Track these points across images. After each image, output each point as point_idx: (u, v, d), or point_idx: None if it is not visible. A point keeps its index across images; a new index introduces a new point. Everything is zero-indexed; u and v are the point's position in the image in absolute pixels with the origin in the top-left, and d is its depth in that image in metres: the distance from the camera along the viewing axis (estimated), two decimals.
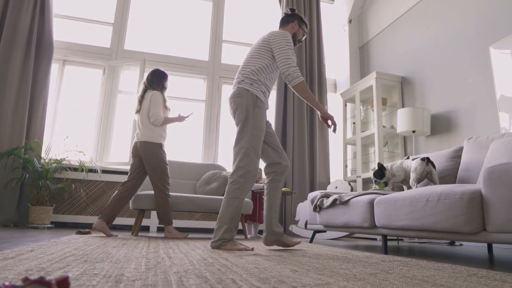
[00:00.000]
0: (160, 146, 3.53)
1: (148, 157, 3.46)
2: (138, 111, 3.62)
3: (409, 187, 3.13)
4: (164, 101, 3.64)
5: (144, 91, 3.65)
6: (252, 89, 2.43)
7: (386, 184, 3.20)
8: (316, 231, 3.56)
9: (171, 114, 3.75)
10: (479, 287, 1.17)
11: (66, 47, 5.10)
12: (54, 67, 5.02)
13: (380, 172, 3.16)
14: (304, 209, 4.63)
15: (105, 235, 3.19)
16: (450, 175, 2.93)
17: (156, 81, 3.66)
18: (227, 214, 2.28)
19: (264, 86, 2.50)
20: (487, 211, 1.79)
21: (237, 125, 2.44)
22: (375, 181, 3.20)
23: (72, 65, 5.22)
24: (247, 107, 2.39)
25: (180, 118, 3.69)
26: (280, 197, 2.53)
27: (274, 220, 2.46)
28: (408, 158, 3.12)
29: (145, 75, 5.03)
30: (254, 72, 2.46)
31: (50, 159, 4.39)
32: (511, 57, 3.50)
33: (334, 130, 2.49)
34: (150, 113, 3.50)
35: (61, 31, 5.19)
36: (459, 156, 2.95)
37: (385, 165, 3.20)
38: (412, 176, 2.85)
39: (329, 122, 2.51)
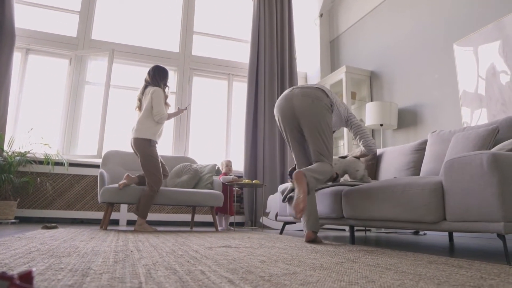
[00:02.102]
0: (149, 142, 3.54)
1: (139, 152, 3.52)
2: (139, 108, 3.66)
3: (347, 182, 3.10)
4: (166, 97, 3.68)
5: (145, 87, 3.67)
6: (331, 97, 2.60)
7: None
8: (286, 223, 3.61)
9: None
10: (437, 273, 1.23)
11: (29, 35, 4.90)
12: (17, 56, 4.82)
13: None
14: (274, 201, 4.67)
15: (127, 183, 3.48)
16: (414, 167, 3.04)
17: (159, 77, 3.68)
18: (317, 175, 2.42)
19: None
20: (448, 202, 1.88)
21: (313, 126, 2.51)
22: (290, 179, 2.97)
23: (36, 54, 5.03)
24: (326, 111, 2.54)
25: (179, 111, 3.81)
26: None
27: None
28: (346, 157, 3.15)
29: (114, 65, 4.95)
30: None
31: (13, 152, 4.24)
32: (473, 54, 3.64)
33: None
34: (154, 111, 3.52)
35: (23, 18, 4.99)
36: (423, 149, 3.06)
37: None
38: (364, 172, 2.99)
39: None
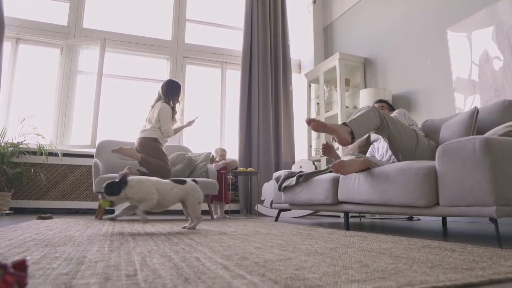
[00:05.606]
0: (154, 139, 3.64)
1: (145, 151, 3.61)
2: (146, 120, 3.79)
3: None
4: (174, 113, 3.79)
5: (157, 100, 3.80)
6: None
7: (112, 204, 2.11)
8: (281, 210, 3.63)
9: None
10: (430, 256, 1.24)
11: (19, 24, 4.82)
12: (7, 46, 4.75)
13: (118, 186, 2.07)
14: (269, 189, 4.69)
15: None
16: None
17: (171, 93, 3.78)
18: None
19: None
20: (441, 186, 1.89)
21: None
22: (102, 195, 2.10)
23: (26, 44, 4.95)
24: None
25: (188, 124, 4.01)
26: None
27: None
28: None
29: (106, 54, 4.90)
30: None
31: (6, 143, 4.21)
32: (467, 40, 3.64)
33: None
34: (162, 129, 3.68)
35: (13, 6, 4.90)
36: None
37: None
38: None
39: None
